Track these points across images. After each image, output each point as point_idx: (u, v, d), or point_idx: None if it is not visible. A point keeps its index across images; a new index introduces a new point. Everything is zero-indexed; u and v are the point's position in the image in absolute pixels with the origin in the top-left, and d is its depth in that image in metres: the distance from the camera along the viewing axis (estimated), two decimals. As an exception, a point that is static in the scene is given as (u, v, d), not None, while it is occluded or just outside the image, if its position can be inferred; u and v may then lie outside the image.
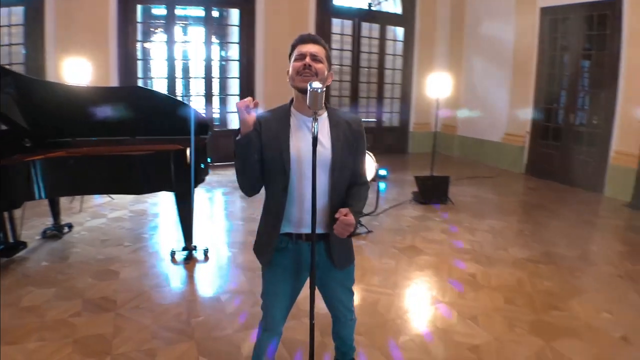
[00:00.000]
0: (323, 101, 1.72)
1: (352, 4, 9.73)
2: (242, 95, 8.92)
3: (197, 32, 8.90)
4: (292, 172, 1.87)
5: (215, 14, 8.90)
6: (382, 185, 7.46)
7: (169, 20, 8.27)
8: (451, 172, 7.54)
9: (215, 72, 9.10)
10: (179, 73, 8.63)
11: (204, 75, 8.69)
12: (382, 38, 10.02)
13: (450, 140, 10.23)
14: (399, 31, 10.20)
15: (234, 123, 9.20)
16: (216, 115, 9.55)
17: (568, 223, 5.64)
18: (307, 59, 1.87)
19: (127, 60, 7.93)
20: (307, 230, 1.90)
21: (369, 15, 9.79)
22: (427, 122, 10.48)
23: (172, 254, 4.41)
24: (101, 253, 4.52)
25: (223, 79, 9.32)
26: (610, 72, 6.92)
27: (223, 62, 9.31)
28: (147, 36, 8.70)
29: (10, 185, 3.72)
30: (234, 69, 9.03)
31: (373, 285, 3.81)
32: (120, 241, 4.86)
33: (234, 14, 8.86)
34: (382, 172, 7.82)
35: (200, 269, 4.18)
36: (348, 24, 9.56)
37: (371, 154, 4.99)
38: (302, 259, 2.00)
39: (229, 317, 3.26)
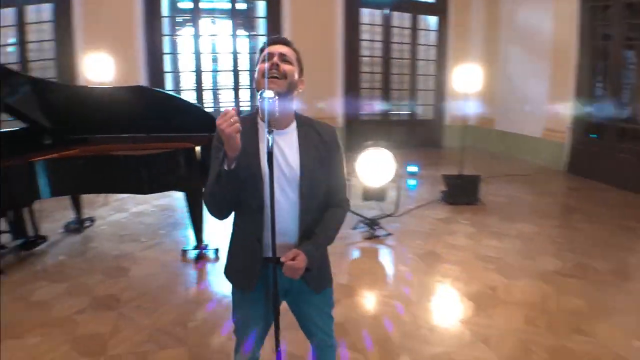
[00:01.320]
0: (276, 109, 1.49)
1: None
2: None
3: (224, 25, 8.85)
4: (257, 193, 1.68)
5: (241, 6, 8.82)
6: (411, 182, 7.21)
7: (195, 14, 8.26)
8: (486, 169, 7.20)
9: (243, 65, 9.05)
10: (206, 66, 8.63)
11: (231, 68, 8.65)
12: (414, 28, 9.65)
13: (487, 135, 9.79)
14: (432, 20, 9.81)
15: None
16: (247, 108, 9.52)
17: (608, 230, 5.17)
18: (275, 58, 1.67)
19: (153, 55, 7.99)
20: (278, 253, 1.66)
21: (400, 4, 9.43)
22: (464, 115, 10.04)
23: (183, 252, 4.37)
24: (117, 249, 4.55)
25: (252, 72, 9.22)
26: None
27: (252, 54, 9.22)
28: (173, 30, 8.73)
29: (13, 184, 3.74)
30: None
31: (383, 296, 3.61)
32: (138, 237, 4.90)
33: (261, 6, 8.74)
34: (413, 169, 7.56)
35: (209, 270, 4.13)
36: (378, 13, 9.25)
37: (389, 151, 4.77)
38: (282, 282, 1.77)
39: (227, 322, 3.14)
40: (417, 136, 9.88)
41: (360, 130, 9.10)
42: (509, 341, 2.96)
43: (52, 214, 5.38)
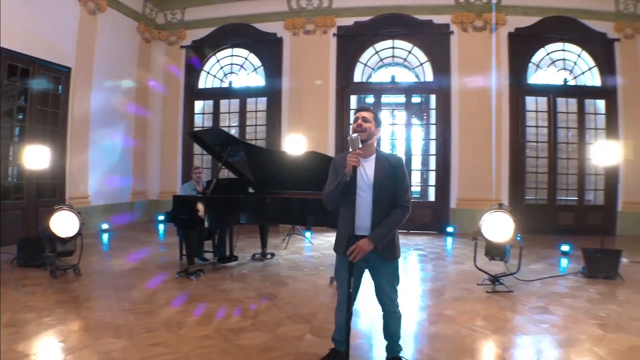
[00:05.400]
0: (359, 145, 2.84)
1: (546, 80, 9.99)
2: (439, 170, 9.95)
3: (400, 116, 10.51)
4: (353, 195, 2.94)
5: (416, 99, 10.40)
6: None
7: (376, 107, 10.13)
8: None
9: (416, 150, 10.48)
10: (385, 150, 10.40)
11: (405, 152, 10.04)
12: (581, 112, 9.79)
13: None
14: (600, 104, 9.82)
15: (431, 196, 10.25)
16: (416, 189, 10.77)
17: None
18: (359, 121, 2.99)
19: (342, 140, 9.96)
20: (360, 232, 2.93)
21: (565, 90, 9.82)
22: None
23: (331, 279, 5.62)
24: (285, 273, 6.17)
25: (424, 156, 10.58)
26: None
27: (424, 140, 10.59)
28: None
29: (222, 212, 5.76)
30: (433, 147, 10.21)
31: (473, 325, 4.19)
32: (302, 268, 6.43)
33: (432, 99, 10.18)
34: (565, 248, 7.55)
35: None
36: (542, 100, 9.77)
37: (510, 215, 5.39)
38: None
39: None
40: (586, 222, 9.61)
41: (525, 215, 9.29)
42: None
43: (245, 248, 7.32)
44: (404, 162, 3.10)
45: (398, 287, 3.12)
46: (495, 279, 5.45)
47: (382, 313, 3.14)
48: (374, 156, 3.02)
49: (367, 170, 2.97)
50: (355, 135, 2.88)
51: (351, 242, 2.89)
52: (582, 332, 4.03)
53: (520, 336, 3.95)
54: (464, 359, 3.45)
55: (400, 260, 3.15)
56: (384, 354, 3.25)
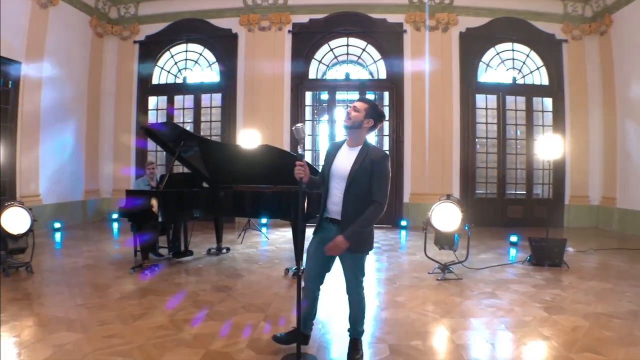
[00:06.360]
0: (304, 136, 2.97)
1: (496, 79, 10.40)
2: (392, 165, 10.02)
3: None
4: (329, 180, 3.08)
5: (370, 96, 10.57)
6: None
7: (330, 104, 10.19)
8: (598, 243, 7.34)
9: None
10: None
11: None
12: (529, 110, 10.24)
13: (610, 214, 9.58)
14: (547, 102, 10.29)
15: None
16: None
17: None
18: (349, 108, 3.08)
19: (292, 135, 10.00)
20: (331, 215, 3.06)
21: (514, 88, 10.25)
22: (585, 195, 10.04)
23: (286, 271, 5.68)
24: (240, 266, 6.12)
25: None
26: None
27: (377, 136, 10.75)
28: (313, 116, 10.82)
29: (176, 206, 5.70)
30: (387, 143, 10.41)
31: (423, 310, 4.34)
32: (257, 261, 6.41)
33: (386, 96, 10.38)
34: (513, 239, 7.85)
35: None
36: (492, 98, 10.15)
37: (457, 205, 5.59)
38: (330, 234, 3.02)
39: (293, 310, 4.11)
40: (535, 215, 10.04)
41: (475, 208, 9.73)
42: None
43: (200, 243, 7.24)
44: (388, 158, 3.05)
45: (363, 279, 3.17)
46: (445, 268, 5.62)
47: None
48: (359, 147, 3.04)
49: (348, 159, 3.01)
50: (300, 124, 3.02)
51: (322, 224, 3.10)
52: (528, 314, 4.22)
53: (468, 319, 4.09)
54: (414, 341, 3.55)
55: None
56: (340, 337, 3.36)
